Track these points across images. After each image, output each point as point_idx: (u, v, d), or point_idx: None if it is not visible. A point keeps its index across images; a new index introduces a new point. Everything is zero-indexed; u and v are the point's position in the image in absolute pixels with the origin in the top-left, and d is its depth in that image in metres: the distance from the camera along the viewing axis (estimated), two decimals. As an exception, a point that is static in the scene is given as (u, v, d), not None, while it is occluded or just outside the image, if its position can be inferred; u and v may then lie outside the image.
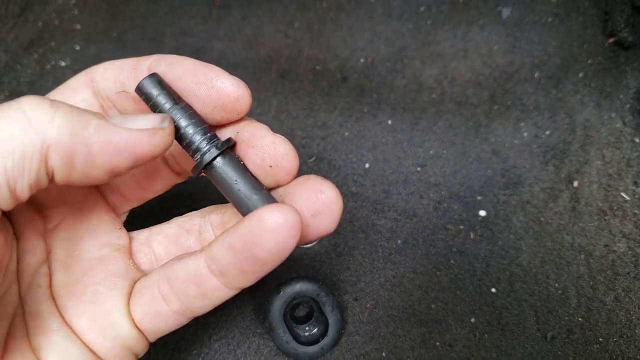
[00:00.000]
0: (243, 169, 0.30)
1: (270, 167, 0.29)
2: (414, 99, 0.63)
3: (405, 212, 0.56)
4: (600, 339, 0.47)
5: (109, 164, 0.26)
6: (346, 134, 0.61)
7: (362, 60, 0.66)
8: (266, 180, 0.30)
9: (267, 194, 0.30)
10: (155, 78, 0.29)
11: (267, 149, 0.29)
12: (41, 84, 0.65)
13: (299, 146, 0.60)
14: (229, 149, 0.30)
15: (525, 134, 0.59)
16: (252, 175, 0.30)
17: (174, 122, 0.29)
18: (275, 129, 0.61)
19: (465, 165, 0.58)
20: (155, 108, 0.29)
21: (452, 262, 0.52)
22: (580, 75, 0.62)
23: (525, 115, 0.60)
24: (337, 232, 0.54)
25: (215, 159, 0.29)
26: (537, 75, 0.62)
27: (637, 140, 0.56)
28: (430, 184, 0.57)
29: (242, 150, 0.30)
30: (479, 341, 0.48)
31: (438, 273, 0.52)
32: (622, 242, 0.52)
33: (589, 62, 0.62)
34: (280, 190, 0.31)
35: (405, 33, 0.66)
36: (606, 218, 0.53)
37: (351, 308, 0.50)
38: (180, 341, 0.48)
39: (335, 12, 0.69)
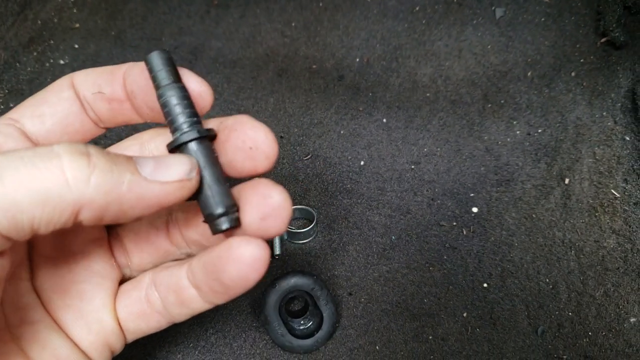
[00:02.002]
0: (214, 160, 0.31)
1: (250, 148, 0.30)
2: (409, 97, 0.63)
3: (399, 208, 0.56)
4: (590, 333, 0.48)
5: (137, 215, 0.27)
6: (341, 131, 0.62)
7: (357, 59, 0.66)
8: (244, 165, 0.31)
9: (228, 191, 0.31)
10: (165, 54, 0.31)
11: (248, 132, 0.30)
12: (40, 81, 0.65)
13: (295, 144, 0.61)
14: (208, 137, 0.31)
15: (518, 132, 0.60)
16: (221, 169, 0.31)
17: (165, 98, 0.30)
18: (271, 127, 0.61)
19: (459, 163, 0.59)
20: (154, 80, 0.31)
21: (445, 257, 0.53)
22: (572, 74, 0.63)
23: (518, 114, 0.61)
24: (331, 227, 0.55)
25: (191, 141, 0.30)
26: (529, 74, 0.63)
27: (627, 138, 0.57)
28: (423, 181, 0.58)
29: (224, 135, 0.31)
30: (471, 335, 0.49)
31: (431, 268, 0.53)
32: (612, 238, 0.52)
33: (581, 61, 0.63)
34: (235, 191, 0.32)
35: (400, 32, 0.67)
36: (596, 214, 0.54)
37: (345, 302, 0.51)
38: (176, 334, 0.49)
39: (332, 11, 0.69)
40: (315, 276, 0.48)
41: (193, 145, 0.30)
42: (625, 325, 0.48)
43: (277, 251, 0.53)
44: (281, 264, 0.53)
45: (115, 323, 0.33)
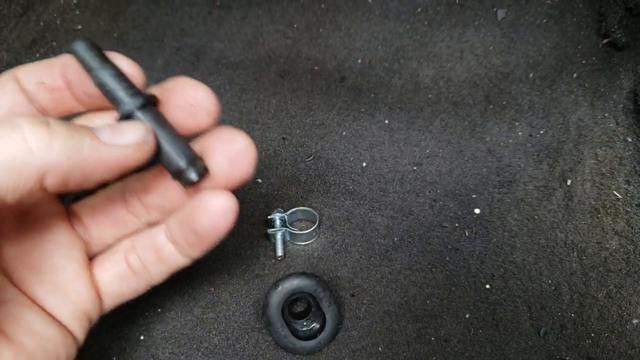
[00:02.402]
0: (164, 122, 0.32)
1: (192, 106, 0.32)
2: (411, 98, 0.63)
3: (401, 209, 0.57)
4: (592, 334, 0.48)
5: (99, 179, 0.28)
6: (344, 132, 0.62)
7: (359, 61, 0.66)
8: (188, 123, 0.32)
9: (187, 145, 0.32)
10: (88, 42, 0.31)
11: (188, 91, 0.32)
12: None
13: (297, 145, 0.61)
14: (152, 103, 0.32)
15: (520, 133, 0.60)
16: (174, 128, 0.32)
17: (100, 79, 0.31)
18: (274, 128, 0.62)
19: (461, 164, 0.59)
20: (86, 67, 0.31)
21: (447, 258, 0.53)
22: (574, 75, 0.63)
23: (520, 115, 0.61)
24: (334, 229, 0.55)
25: (138, 109, 0.31)
26: (531, 75, 0.63)
27: (629, 140, 0.57)
28: (426, 182, 0.58)
29: (166, 97, 0.33)
30: (473, 336, 0.49)
31: (433, 269, 0.53)
32: (614, 239, 0.52)
33: (583, 62, 0.63)
34: (198, 145, 0.33)
35: (402, 34, 0.67)
36: (599, 216, 0.54)
37: (348, 303, 0.51)
38: (180, 336, 0.49)
39: (334, 13, 0.70)
40: (318, 277, 0.48)
41: (140, 113, 0.31)
42: (627, 326, 0.48)
43: (280, 252, 0.53)
44: (284, 265, 0.53)
45: (91, 290, 0.34)
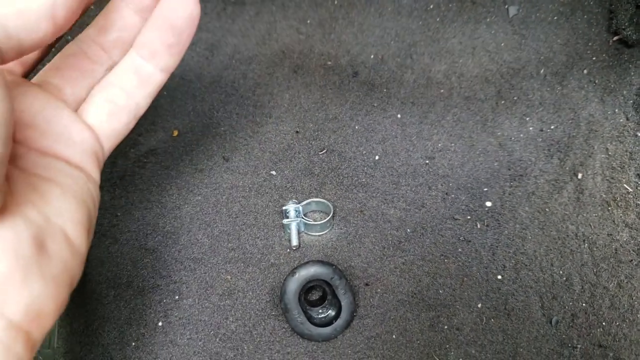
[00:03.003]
0: None
1: None
2: (423, 93, 0.64)
3: (413, 202, 0.57)
4: (604, 323, 0.49)
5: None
6: (356, 127, 0.63)
7: (372, 56, 0.67)
8: None
9: None
10: None
11: None
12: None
13: (310, 138, 0.62)
14: None
15: (531, 128, 0.61)
16: None
17: None
18: (287, 122, 0.63)
19: (472, 158, 0.60)
20: None
21: (459, 250, 0.54)
22: (585, 71, 0.63)
23: (531, 110, 0.62)
24: (347, 220, 0.56)
25: None
26: (542, 71, 0.64)
27: (639, 135, 0.58)
28: (438, 176, 0.59)
29: None
30: (486, 325, 0.50)
31: (446, 260, 0.54)
32: (625, 231, 0.53)
33: (593, 59, 0.64)
34: None
35: (415, 30, 0.68)
36: (609, 208, 0.55)
37: (362, 292, 0.52)
38: (198, 322, 0.50)
39: (346, 9, 0.70)
40: (334, 266, 0.49)
41: None
42: (638, 315, 0.49)
43: (295, 242, 0.54)
44: (298, 255, 0.54)
45: (89, 131, 0.34)
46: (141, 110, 0.36)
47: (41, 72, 0.37)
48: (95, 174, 0.34)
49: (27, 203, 0.27)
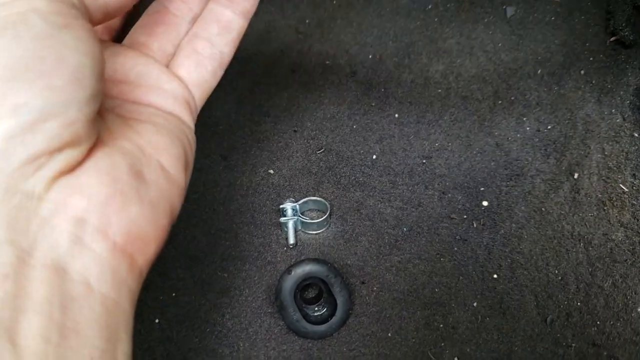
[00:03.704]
0: None
1: None
2: (420, 93, 0.65)
3: (410, 201, 0.58)
4: (598, 322, 0.49)
5: None
6: (354, 126, 0.63)
7: (370, 56, 0.68)
8: None
9: None
10: None
11: None
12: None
13: (308, 137, 0.62)
14: None
15: (528, 128, 0.61)
16: None
17: None
18: (285, 121, 0.63)
19: (469, 157, 0.60)
20: None
21: (456, 249, 0.54)
22: (582, 72, 0.64)
23: (528, 110, 0.62)
24: (344, 219, 0.56)
25: None
26: (539, 71, 0.64)
27: (635, 135, 0.58)
28: (435, 175, 0.59)
29: None
30: (481, 324, 0.50)
31: (442, 259, 0.54)
32: (620, 230, 0.53)
33: (591, 59, 0.64)
34: None
35: (413, 30, 0.68)
36: (605, 208, 0.55)
37: (358, 290, 0.52)
38: (194, 319, 0.50)
39: (345, 9, 0.71)
40: (330, 264, 0.49)
41: None
42: (632, 314, 0.49)
43: (292, 240, 0.54)
44: (295, 253, 0.54)
45: (179, 81, 0.35)
46: (226, 58, 0.38)
47: (130, 32, 0.38)
48: (189, 120, 0.36)
49: (123, 138, 0.28)
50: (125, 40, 0.37)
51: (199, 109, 0.37)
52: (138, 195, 0.26)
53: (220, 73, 0.38)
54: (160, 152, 0.29)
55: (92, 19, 0.27)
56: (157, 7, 0.38)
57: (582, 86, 0.63)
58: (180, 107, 0.35)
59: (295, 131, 0.63)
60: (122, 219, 0.25)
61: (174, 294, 0.52)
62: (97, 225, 0.23)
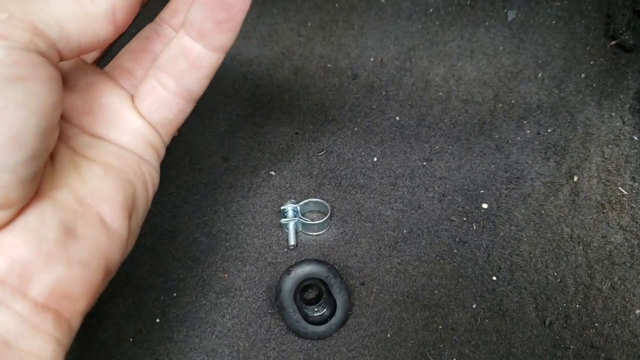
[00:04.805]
0: None
1: None
2: (421, 96, 0.65)
3: (410, 203, 0.58)
4: (596, 324, 0.49)
5: None
6: (355, 128, 0.63)
7: (371, 59, 0.68)
8: None
9: None
10: None
11: None
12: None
13: (309, 140, 0.63)
14: None
15: (528, 131, 0.61)
16: None
17: None
18: (287, 123, 0.63)
19: (469, 160, 0.60)
20: None
21: (455, 251, 0.55)
22: (582, 75, 0.64)
23: (528, 113, 0.62)
24: (344, 220, 0.57)
25: None
26: (540, 75, 0.65)
27: (635, 138, 0.59)
28: (435, 178, 0.59)
29: None
30: (480, 325, 0.50)
31: (441, 261, 0.54)
32: (619, 233, 0.54)
33: (591, 63, 0.65)
34: None
35: (414, 33, 0.69)
36: (604, 211, 0.55)
37: (358, 291, 0.52)
38: (195, 320, 0.51)
39: (347, 12, 0.71)
40: (330, 265, 0.50)
41: None
42: (631, 317, 0.49)
43: (292, 242, 0.54)
44: (296, 253, 0.55)
45: (140, 118, 0.33)
46: (196, 95, 0.34)
47: (117, 55, 0.36)
48: (151, 157, 0.33)
49: (64, 187, 0.27)
50: (112, 63, 0.36)
51: (166, 142, 0.35)
52: (65, 255, 0.25)
53: (189, 109, 0.35)
54: (102, 202, 0.28)
55: (63, 57, 0.26)
56: (148, 32, 0.36)
57: (583, 90, 0.63)
58: (140, 144, 0.33)
59: (296, 133, 0.63)
60: (44, 280, 0.24)
61: (174, 295, 0.52)
62: (17, 285, 0.23)
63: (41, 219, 0.24)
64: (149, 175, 0.33)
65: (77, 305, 0.26)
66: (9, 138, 0.21)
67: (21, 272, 0.23)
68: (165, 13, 0.36)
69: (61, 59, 0.26)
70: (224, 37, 0.30)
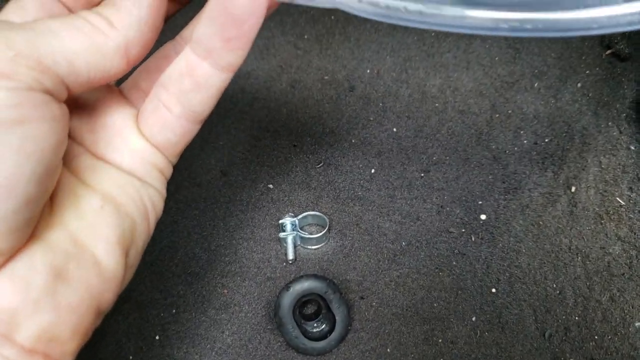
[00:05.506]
0: None
1: None
2: (418, 107, 0.65)
3: (409, 215, 0.58)
4: (596, 337, 0.49)
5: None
6: (353, 140, 0.63)
7: (368, 70, 0.68)
8: None
9: None
10: None
11: None
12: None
13: (307, 152, 0.63)
14: None
15: (525, 141, 0.61)
16: None
17: None
18: (284, 135, 0.64)
19: (467, 171, 0.60)
20: None
21: (454, 263, 0.55)
22: (579, 85, 0.64)
23: (525, 123, 0.63)
24: (343, 233, 0.57)
25: None
26: (536, 84, 0.65)
27: (632, 148, 0.59)
28: (433, 189, 0.60)
29: None
30: (480, 338, 0.50)
31: (440, 273, 0.54)
32: (617, 244, 0.54)
33: (587, 72, 0.65)
34: None
35: (410, 44, 0.69)
36: (602, 222, 0.55)
37: (357, 306, 0.52)
38: (194, 336, 0.51)
39: (343, 24, 0.71)
40: (328, 280, 0.50)
41: None
42: (630, 329, 0.49)
43: (291, 256, 0.54)
44: (295, 268, 0.55)
45: (143, 140, 0.32)
46: (201, 117, 0.32)
47: (134, 72, 0.35)
48: (155, 181, 0.32)
49: (58, 226, 0.26)
50: (128, 81, 0.35)
51: (173, 162, 0.34)
52: (53, 301, 0.24)
53: (196, 130, 0.33)
54: (97, 240, 0.27)
55: (73, 92, 0.25)
56: (167, 51, 0.35)
57: (579, 99, 0.63)
58: (141, 167, 0.31)
59: (294, 146, 0.63)
60: (31, 327, 0.24)
61: (174, 311, 0.52)
62: (4, 332, 0.23)
63: (30, 264, 0.24)
64: (150, 203, 0.32)
65: (66, 347, 0.26)
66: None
67: (8, 320, 0.23)
68: (186, 32, 0.35)
69: (69, 94, 0.25)
70: (233, 55, 0.28)
